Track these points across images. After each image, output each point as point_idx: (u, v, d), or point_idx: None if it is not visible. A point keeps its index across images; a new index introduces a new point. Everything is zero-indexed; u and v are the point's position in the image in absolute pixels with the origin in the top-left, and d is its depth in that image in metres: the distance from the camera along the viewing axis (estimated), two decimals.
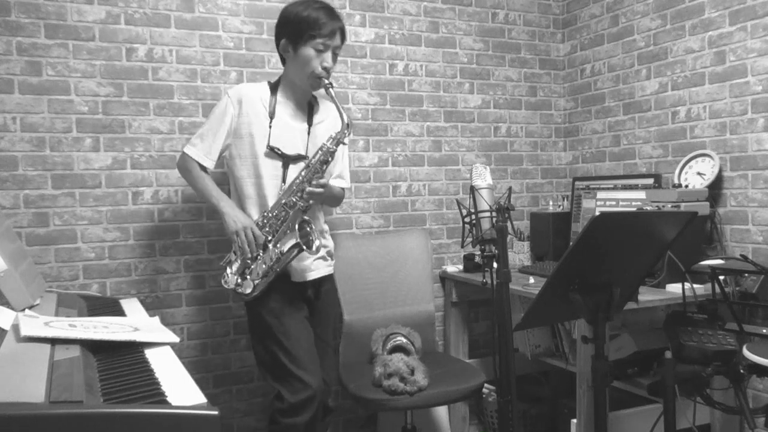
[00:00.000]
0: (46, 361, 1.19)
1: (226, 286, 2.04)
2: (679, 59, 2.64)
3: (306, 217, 2.06)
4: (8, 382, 1.05)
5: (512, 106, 3.15)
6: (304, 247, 2.01)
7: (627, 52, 2.89)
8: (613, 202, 2.68)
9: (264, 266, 2.01)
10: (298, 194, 2.03)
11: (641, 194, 2.52)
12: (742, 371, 1.81)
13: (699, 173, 2.50)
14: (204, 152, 2.09)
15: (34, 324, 1.41)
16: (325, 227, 2.28)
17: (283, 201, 2.04)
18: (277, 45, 2.12)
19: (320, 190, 2.04)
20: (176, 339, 1.52)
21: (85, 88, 2.38)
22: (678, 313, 2.00)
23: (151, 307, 2.43)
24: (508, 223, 1.82)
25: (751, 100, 2.37)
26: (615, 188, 2.76)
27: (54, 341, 1.32)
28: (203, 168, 2.10)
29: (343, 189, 2.33)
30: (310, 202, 2.06)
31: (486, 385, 2.57)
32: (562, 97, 3.27)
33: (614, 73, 2.96)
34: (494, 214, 1.82)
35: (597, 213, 2.28)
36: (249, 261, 2.02)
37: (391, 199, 2.91)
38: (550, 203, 3.08)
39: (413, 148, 2.94)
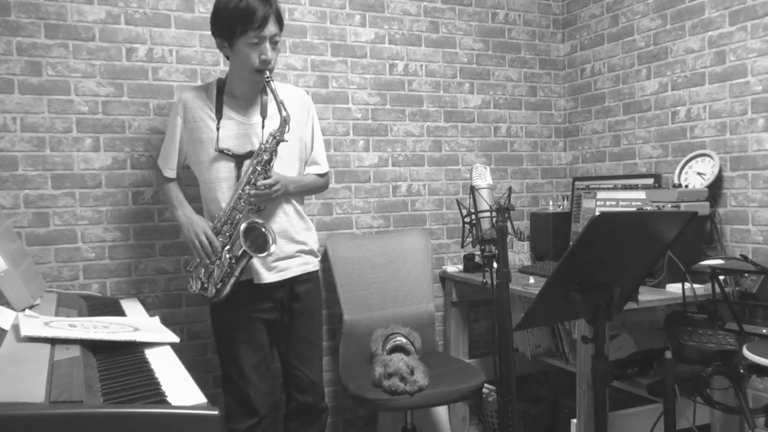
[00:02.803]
0: (46, 361, 1.19)
1: (191, 291, 2.06)
2: (679, 59, 2.64)
3: (256, 220, 1.99)
4: (8, 382, 1.05)
5: (512, 106, 3.15)
6: (252, 254, 1.96)
7: (627, 52, 2.89)
8: (613, 202, 2.68)
9: (221, 272, 1.99)
10: (245, 197, 1.98)
11: (641, 194, 2.51)
12: (742, 371, 1.81)
13: (699, 173, 2.50)
14: (163, 162, 2.13)
15: (34, 324, 1.41)
16: (307, 223, 2.21)
17: (232, 205, 2.00)
18: (215, 42, 2.06)
19: (266, 191, 1.98)
20: (176, 339, 1.51)
21: (85, 88, 2.38)
22: (678, 313, 1.99)
23: (151, 307, 2.42)
24: (508, 223, 1.82)
25: (751, 100, 2.36)
26: (615, 188, 2.76)
27: (54, 341, 1.32)
28: (168, 178, 2.14)
29: (322, 175, 2.25)
30: (260, 205, 2.00)
31: (486, 385, 2.57)
32: (562, 97, 3.27)
33: (614, 73, 2.96)
34: (494, 214, 1.82)
35: (597, 213, 2.28)
36: (210, 265, 2.01)
37: (391, 199, 2.91)
38: (550, 203, 3.08)
39: (413, 148, 2.94)
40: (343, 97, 2.79)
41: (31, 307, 1.67)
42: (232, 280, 2.00)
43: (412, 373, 2.24)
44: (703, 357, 1.86)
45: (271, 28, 1.95)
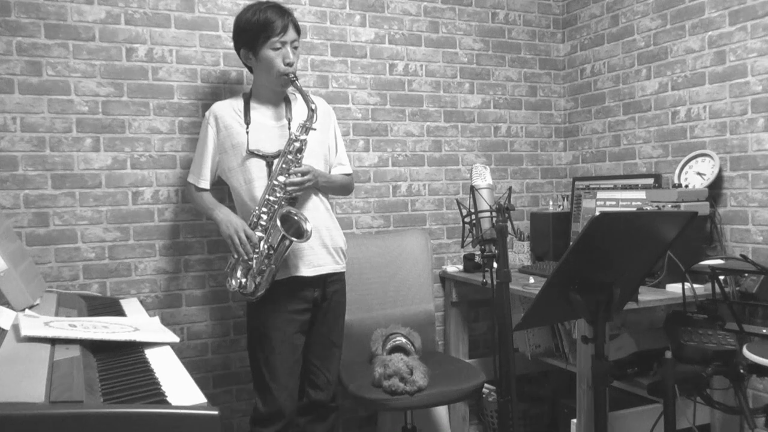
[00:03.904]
0: (46, 361, 1.19)
1: (230, 290, 2.10)
2: (679, 59, 2.64)
3: (290, 209, 2.07)
4: (8, 382, 1.05)
5: (512, 106, 3.15)
6: (293, 238, 2.02)
7: (627, 52, 2.89)
8: (613, 202, 2.68)
9: (260, 264, 2.03)
10: (280, 188, 2.06)
11: (641, 194, 2.52)
12: (742, 371, 1.81)
13: (699, 173, 2.50)
14: (196, 175, 2.22)
15: (34, 324, 1.41)
16: (336, 222, 2.27)
17: (267, 197, 2.07)
18: (240, 57, 2.19)
19: (300, 178, 2.07)
20: (176, 339, 1.52)
21: (85, 88, 2.38)
22: (678, 313, 2.00)
23: (151, 307, 2.43)
24: (508, 223, 1.82)
25: (751, 100, 2.37)
26: (615, 188, 2.76)
27: (54, 341, 1.32)
28: (202, 189, 2.22)
29: (348, 175, 2.35)
30: (294, 194, 2.08)
31: (486, 385, 2.57)
32: (562, 97, 3.27)
33: (614, 73, 2.96)
34: (494, 214, 1.82)
35: (597, 213, 2.28)
36: (249, 261, 2.05)
37: (391, 199, 2.91)
38: (550, 203, 3.08)
39: (413, 148, 2.94)
40: (343, 97, 2.79)
41: (31, 307, 1.67)
42: (271, 274, 2.04)
43: (411, 373, 2.24)
44: (703, 357, 1.87)
45: (291, 34, 2.12)
